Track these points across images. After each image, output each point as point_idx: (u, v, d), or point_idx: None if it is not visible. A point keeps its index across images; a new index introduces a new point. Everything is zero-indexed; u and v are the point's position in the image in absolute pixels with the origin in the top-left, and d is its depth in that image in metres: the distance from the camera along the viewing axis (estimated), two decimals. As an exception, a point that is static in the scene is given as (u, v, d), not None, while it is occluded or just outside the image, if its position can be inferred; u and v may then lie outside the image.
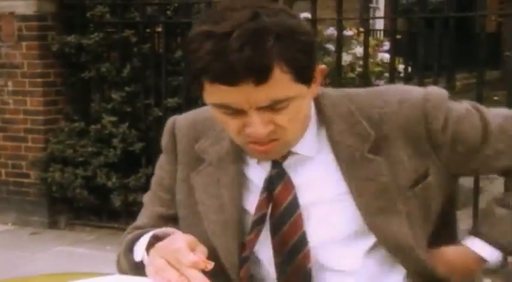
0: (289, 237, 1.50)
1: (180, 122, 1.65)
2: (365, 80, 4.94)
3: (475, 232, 1.59)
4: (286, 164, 1.52)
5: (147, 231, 1.52)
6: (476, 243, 1.57)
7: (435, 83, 4.55)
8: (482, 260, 1.57)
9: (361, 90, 1.57)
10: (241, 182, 1.55)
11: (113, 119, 5.34)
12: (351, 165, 1.48)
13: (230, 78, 1.30)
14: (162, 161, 1.68)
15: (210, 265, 1.34)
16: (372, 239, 1.51)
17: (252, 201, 1.53)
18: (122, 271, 1.57)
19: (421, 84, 4.69)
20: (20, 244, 5.31)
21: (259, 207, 1.51)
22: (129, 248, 1.53)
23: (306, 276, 1.51)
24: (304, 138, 1.49)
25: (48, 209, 5.66)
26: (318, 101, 1.51)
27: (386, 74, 5.91)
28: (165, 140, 1.66)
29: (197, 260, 1.33)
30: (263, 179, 1.53)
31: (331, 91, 1.55)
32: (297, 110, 1.39)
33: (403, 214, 1.48)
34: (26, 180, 5.71)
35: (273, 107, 1.35)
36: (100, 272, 1.53)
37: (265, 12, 1.32)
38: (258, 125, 1.36)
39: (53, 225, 5.68)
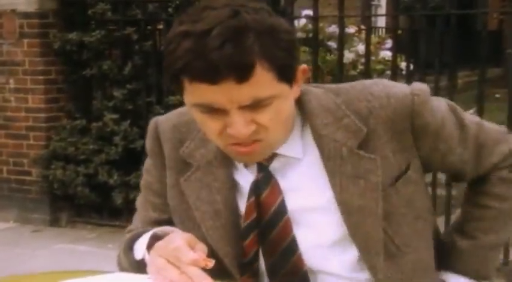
0: (279, 242, 1.49)
1: (163, 124, 1.60)
2: (367, 77, 4.93)
3: (448, 266, 1.67)
4: (273, 167, 1.50)
5: (147, 230, 1.51)
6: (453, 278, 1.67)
7: (437, 81, 4.54)
8: None
9: (345, 85, 1.54)
10: (232, 186, 1.52)
11: (115, 116, 5.34)
12: (336, 160, 1.45)
13: (211, 76, 1.28)
14: (148, 165, 1.65)
15: (211, 263, 1.33)
16: None
17: (244, 205, 1.51)
18: (123, 269, 1.56)
19: (423, 81, 4.67)
20: (22, 241, 5.31)
21: (248, 212, 1.49)
22: (129, 247, 1.53)
23: (303, 279, 1.49)
24: (290, 139, 1.47)
25: (50, 207, 5.66)
26: (300, 98, 1.48)
27: (388, 72, 5.91)
28: (149, 144, 1.62)
29: (197, 257, 1.32)
30: (250, 179, 1.51)
31: (314, 87, 1.52)
32: (279, 110, 1.37)
33: (380, 216, 1.46)
34: (27, 178, 5.71)
35: (255, 106, 1.33)
36: (101, 270, 1.53)
37: (245, 10, 1.31)
38: (239, 125, 1.34)
39: (54, 222, 5.68)
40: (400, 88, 1.49)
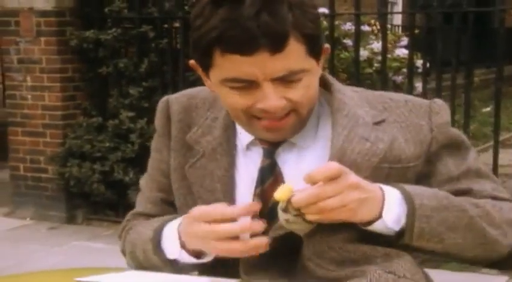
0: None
1: (174, 106, 1.59)
2: (383, 75, 4.91)
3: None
4: (278, 153, 1.47)
5: (165, 224, 1.49)
6: (383, 185, 1.38)
7: (453, 79, 4.52)
8: (380, 192, 1.35)
9: (362, 89, 1.57)
10: (233, 174, 1.49)
11: (131, 114, 5.36)
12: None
13: (247, 45, 1.27)
14: (158, 144, 1.61)
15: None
16: None
17: (242, 193, 1.48)
18: (139, 266, 1.54)
19: (439, 79, 4.67)
20: (38, 239, 5.33)
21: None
22: (157, 246, 1.48)
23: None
24: (304, 127, 1.46)
25: (66, 204, 5.69)
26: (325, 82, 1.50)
27: (404, 70, 5.88)
28: (160, 122, 1.60)
29: (244, 205, 1.35)
30: (252, 169, 1.48)
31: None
32: (308, 85, 1.37)
33: None
34: (44, 175, 5.74)
35: (287, 79, 1.32)
36: (117, 267, 1.53)
37: None
38: (273, 98, 1.33)
39: (70, 220, 5.70)
40: (419, 98, 1.53)
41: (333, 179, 1.28)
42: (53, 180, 5.68)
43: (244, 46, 1.27)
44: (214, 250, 1.38)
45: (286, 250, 1.42)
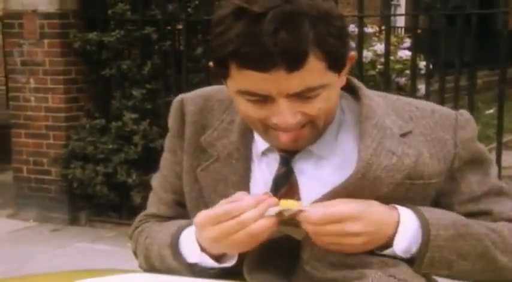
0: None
1: (189, 106, 1.55)
2: (386, 77, 4.91)
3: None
4: (295, 161, 1.45)
5: (184, 228, 1.47)
6: (403, 210, 1.39)
7: (456, 80, 4.51)
8: (396, 223, 1.37)
9: (392, 95, 1.54)
10: (248, 180, 1.47)
11: (134, 116, 5.36)
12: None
13: (263, 63, 1.24)
14: (172, 145, 1.59)
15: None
16: None
17: None
18: (153, 269, 1.52)
19: (443, 81, 4.66)
20: (41, 240, 5.34)
21: None
22: (177, 251, 1.46)
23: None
24: (322, 135, 1.44)
25: (69, 206, 5.69)
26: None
27: (407, 72, 5.88)
28: (175, 123, 1.57)
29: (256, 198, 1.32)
30: (267, 176, 1.46)
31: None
32: (327, 98, 1.33)
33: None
34: (47, 177, 5.74)
35: (304, 95, 1.30)
36: (120, 269, 1.53)
37: None
38: (287, 114, 1.31)
39: (73, 221, 5.71)
40: (445, 108, 1.50)
41: (333, 222, 1.30)
42: (56, 182, 5.68)
43: (260, 63, 1.24)
44: (242, 242, 1.33)
45: (286, 251, 1.42)
